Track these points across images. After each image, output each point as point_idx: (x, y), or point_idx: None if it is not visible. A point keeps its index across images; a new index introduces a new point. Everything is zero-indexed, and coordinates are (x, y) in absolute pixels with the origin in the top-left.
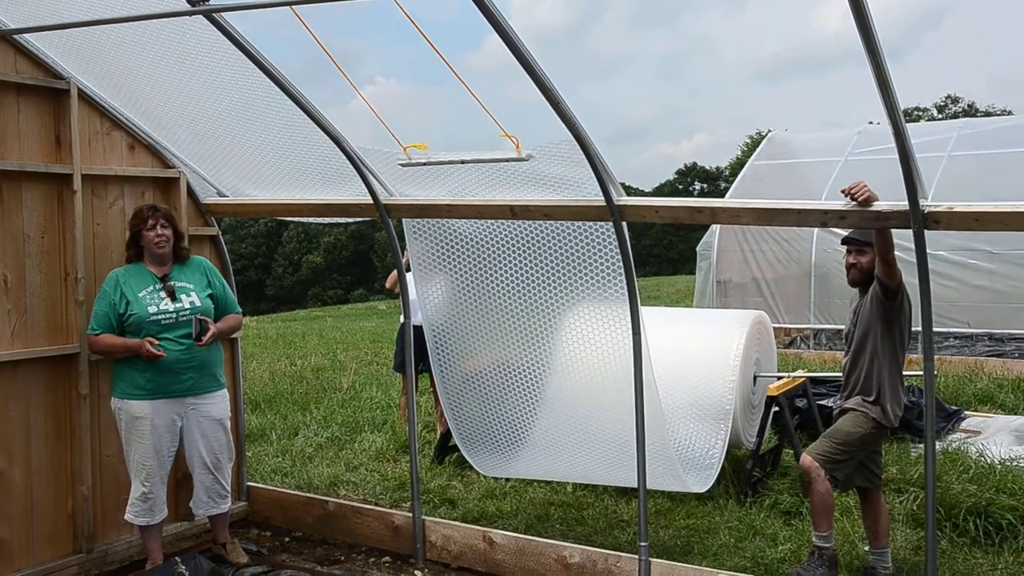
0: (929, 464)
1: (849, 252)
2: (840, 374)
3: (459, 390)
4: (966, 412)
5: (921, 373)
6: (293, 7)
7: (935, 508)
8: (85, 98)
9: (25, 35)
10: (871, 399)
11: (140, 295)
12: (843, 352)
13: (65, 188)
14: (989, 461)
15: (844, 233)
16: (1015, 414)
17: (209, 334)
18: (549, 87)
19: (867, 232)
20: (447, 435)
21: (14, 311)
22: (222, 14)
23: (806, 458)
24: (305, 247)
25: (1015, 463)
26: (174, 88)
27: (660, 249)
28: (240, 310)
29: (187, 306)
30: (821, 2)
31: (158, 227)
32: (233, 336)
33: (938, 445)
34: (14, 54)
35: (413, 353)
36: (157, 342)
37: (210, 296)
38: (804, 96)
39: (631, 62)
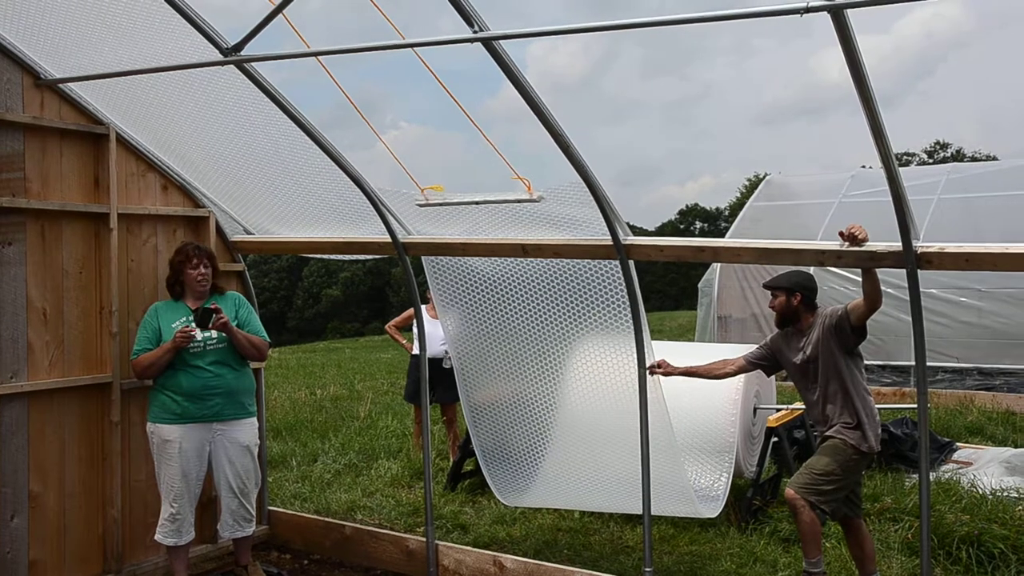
0: (924, 494)
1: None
2: None
3: (482, 418)
4: (958, 444)
5: (915, 406)
6: (318, 57)
7: (929, 537)
8: (123, 142)
9: (69, 84)
10: (851, 425)
11: (173, 325)
12: (806, 389)
13: (102, 226)
14: (981, 491)
15: (839, 271)
16: (1005, 446)
17: (220, 321)
18: (560, 132)
19: (779, 279)
20: (460, 462)
21: (52, 342)
22: (252, 64)
23: (789, 490)
24: (324, 281)
25: (1006, 494)
26: (206, 132)
27: (663, 285)
28: (268, 338)
29: (214, 335)
30: (823, 50)
31: (201, 267)
32: (256, 367)
33: (931, 475)
34: (59, 102)
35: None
36: (186, 327)
37: (236, 325)
38: (803, 140)
39: (642, 107)
